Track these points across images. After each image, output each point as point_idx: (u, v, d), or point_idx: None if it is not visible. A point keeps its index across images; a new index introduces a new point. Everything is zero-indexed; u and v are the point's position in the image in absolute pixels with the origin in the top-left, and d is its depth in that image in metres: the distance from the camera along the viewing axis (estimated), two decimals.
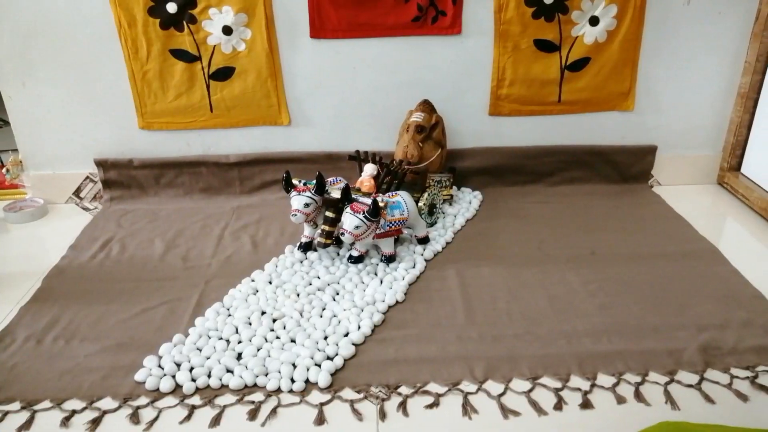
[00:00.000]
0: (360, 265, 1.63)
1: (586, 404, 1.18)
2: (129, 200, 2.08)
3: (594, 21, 1.92)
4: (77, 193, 2.12)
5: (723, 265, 1.63)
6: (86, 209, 2.08)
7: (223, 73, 1.95)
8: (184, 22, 1.88)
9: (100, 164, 2.05)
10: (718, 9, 1.91)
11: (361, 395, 1.21)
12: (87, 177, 2.10)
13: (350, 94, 2.02)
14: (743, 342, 1.33)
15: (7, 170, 2.08)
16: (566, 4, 1.89)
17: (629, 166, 2.13)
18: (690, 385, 1.22)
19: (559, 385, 1.23)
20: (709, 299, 1.48)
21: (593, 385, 1.22)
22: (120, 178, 2.08)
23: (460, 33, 1.93)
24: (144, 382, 1.24)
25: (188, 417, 1.17)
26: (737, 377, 1.24)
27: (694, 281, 1.56)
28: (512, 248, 1.74)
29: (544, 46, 1.95)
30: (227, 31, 1.89)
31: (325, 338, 1.36)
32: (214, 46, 1.91)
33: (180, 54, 1.92)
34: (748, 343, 1.33)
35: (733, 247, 1.74)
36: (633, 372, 1.25)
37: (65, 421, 1.16)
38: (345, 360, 1.30)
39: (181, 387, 1.24)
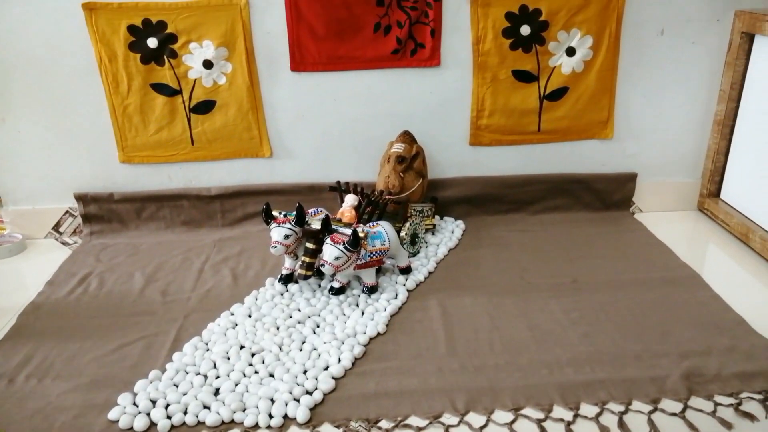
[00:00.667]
0: (341, 297, 1.62)
1: None
2: (109, 234, 2.06)
3: (570, 52, 1.95)
4: (57, 227, 2.10)
5: (705, 290, 1.64)
6: (66, 244, 2.05)
7: (204, 107, 1.96)
8: (165, 57, 1.89)
9: (80, 198, 2.04)
10: (691, 39, 1.95)
11: (341, 430, 1.19)
12: (67, 211, 2.08)
13: (331, 126, 2.03)
14: (726, 368, 1.32)
15: None
16: (543, 35, 1.92)
17: (610, 194, 2.14)
18: (674, 414, 1.21)
19: (541, 415, 1.21)
20: (692, 326, 1.48)
21: (576, 415, 1.21)
22: (100, 212, 2.06)
23: (439, 65, 1.96)
24: (117, 421, 1.21)
25: None
26: (721, 404, 1.23)
27: (676, 308, 1.56)
28: (494, 277, 1.73)
29: (523, 77, 1.98)
30: (208, 65, 1.90)
31: (305, 372, 1.34)
32: (195, 79, 1.92)
33: (161, 88, 1.93)
34: (731, 369, 1.32)
35: (714, 272, 1.74)
36: (616, 401, 1.24)
37: None
38: (324, 394, 1.28)
39: (155, 425, 1.20)
